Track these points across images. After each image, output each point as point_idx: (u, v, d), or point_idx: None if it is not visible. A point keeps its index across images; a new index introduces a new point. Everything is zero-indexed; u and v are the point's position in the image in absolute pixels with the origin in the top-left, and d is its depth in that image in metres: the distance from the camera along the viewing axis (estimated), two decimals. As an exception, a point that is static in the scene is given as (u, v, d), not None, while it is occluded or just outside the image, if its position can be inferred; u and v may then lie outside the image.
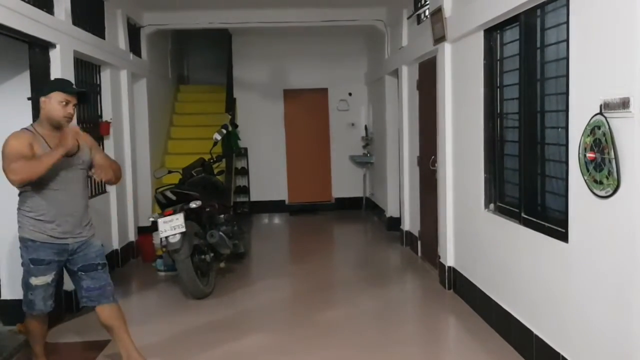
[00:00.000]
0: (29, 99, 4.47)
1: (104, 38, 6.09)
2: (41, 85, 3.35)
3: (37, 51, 4.50)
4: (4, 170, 3.13)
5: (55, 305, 4.35)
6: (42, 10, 4.49)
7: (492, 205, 4.39)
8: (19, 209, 3.34)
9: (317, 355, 4.00)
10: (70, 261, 3.44)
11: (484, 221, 4.46)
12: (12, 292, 4.76)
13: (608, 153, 2.68)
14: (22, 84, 4.61)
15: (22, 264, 3.37)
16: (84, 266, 3.46)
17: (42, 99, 3.28)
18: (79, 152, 3.38)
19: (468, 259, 4.88)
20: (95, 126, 6.00)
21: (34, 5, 4.36)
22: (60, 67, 4.68)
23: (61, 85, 3.35)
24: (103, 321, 3.57)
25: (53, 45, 4.64)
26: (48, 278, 3.36)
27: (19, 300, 4.70)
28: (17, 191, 3.36)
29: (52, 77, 3.45)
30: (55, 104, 3.25)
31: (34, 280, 3.34)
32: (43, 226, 3.29)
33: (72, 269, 3.47)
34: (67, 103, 3.27)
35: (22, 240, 3.33)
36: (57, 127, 3.30)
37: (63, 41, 4.76)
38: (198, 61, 11.52)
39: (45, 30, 4.43)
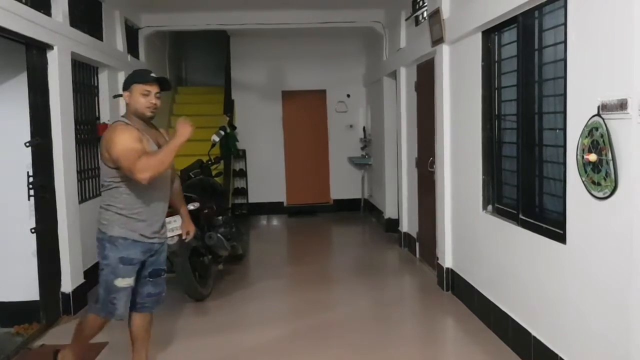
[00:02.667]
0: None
1: (101, 40, 6.08)
2: (126, 80, 3.24)
3: (34, 53, 4.49)
4: (130, 169, 2.96)
5: (53, 306, 4.34)
6: (40, 11, 4.49)
7: (490, 207, 4.39)
8: (107, 205, 3.16)
9: (316, 357, 4.00)
10: (143, 264, 3.27)
11: (482, 223, 4.46)
12: (10, 294, 4.76)
13: (606, 154, 2.68)
14: (19, 85, 4.61)
15: (106, 265, 3.15)
16: (153, 271, 3.32)
17: (125, 93, 3.19)
18: None
19: (466, 261, 4.88)
20: (93, 128, 5.99)
21: (31, 6, 4.35)
22: (57, 68, 4.68)
23: (139, 76, 3.22)
24: (135, 329, 3.38)
25: (50, 47, 4.63)
26: (132, 280, 3.19)
27: (17, 303, 4.74)
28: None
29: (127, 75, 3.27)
30: (138, 96, 3.14)
31: (120, 282, 3.14)
32: (135, 224, 3.15)
33: (143, 272, 3.29)
34: (148, 93, 3.15)
35: (111, 238, 3.13)
36: (144, 119, 3.20)
37: (60, 43, 4.76)
38: (196, 63, 11.53)
39: (42, 32, 4.43)
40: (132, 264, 3.16)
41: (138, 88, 3.15)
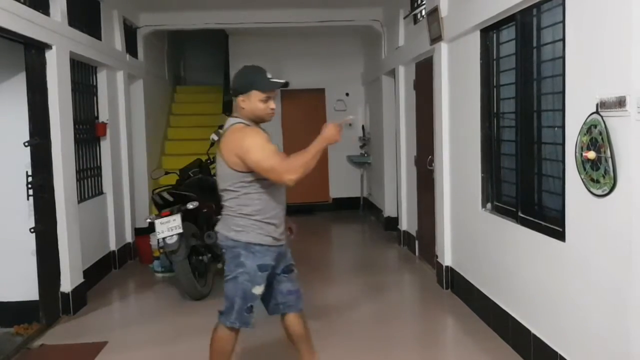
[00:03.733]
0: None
1: (100, 39, 6.08)
2: (239, 81, 3.05)
3: (33, 52, 4.49)
4: (275, 171, 2.84)
5: (53, 306, 4.35)
6: (38, 11, 4.48)
7: (489, 205, 4.39)
8: (239, 212, 2.99)
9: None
10: (274, 265, 3.15)
11: (481, 220, 4.46)
12: (9, 294, 4.76)
13: (604, 152, 2.68)
14: (18, 85, 4.61)
15: (243, 273, 2.99)
16: (286, 267, 3.24)
17: (240, 97, 3.00)
18: None
19: (465, 259, 4.88)
20: (91, 127, 5.99)
21: (29, 6, 4.34)
22: (56, 68, 4.67)
23: (260, 83, 2.99)
24: (295, 329, 3.28)
25: (49, 47, 4.63)
26: (264, 287, 3.07)
27: (16, 302, 4.74)
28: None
29: (245, 67, 3.10)
30: (256, 102, 2.98)
31: (257, 290, 3.02)
32: (268, 228, 3.02)
33: (276, 272, 3.19)
34: (268, 99, 3.00)
35: (247, 245, 2.99)
36: (261, 122, 3.08)
37: (59, 42, 4.75)
38: (195, 62, 11.53)
39: (41, 32, 4.42)
40: (267, 271, 3.05)
41: (257, 95, 2.97)
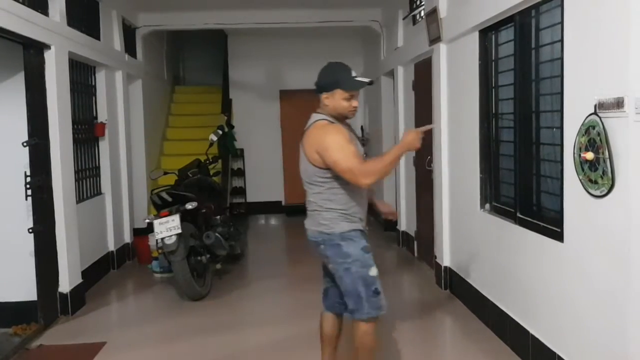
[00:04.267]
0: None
1: (99, 39, 6.08)
2: (324, 79, 3.01)
3: (31, 52, 4.49)
4: (352, 172, 2.83)
5: (51, 306, 4.33)
6: (37, 11, 4.48)
7: (487, 205, 4.39)
8: (325, 207, 3.02)
9: (314, 356, 3.99)
10: None
11: (479, 221, 4.46)
12: (7, 294, 4.76)
13: (602, 153, 2.69)
14: (17, 85, 4.61)
15: (353, 262, 2.97)
16: None
17: (324, 94, 3.01)
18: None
19: (464, 259, 4.88)
20: (90, 127, 5.99)
21: (28, 6, 4.34)
22: (55, 68, 4.67)
23: (345, 82, 2.98)
24: (333, 330, 3.29)
25: (48, 47, 4.62)
26: (376, 268, 3.03)
27: (15, 303, 4.74)
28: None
29: (334, 66, 3.05)
30: (340, 100, 2.98)
31: (373, 271, 2.99)
32: (354, 219, 3.03)
33: None
34: (352, 97, 3.00)
35: (342, 235, 2.98)
36: (343, 119, 3.08)
37: (58, 42, 4.75)
38: (194, 62, 11.52)
39: (39, 32, 4.42)
40: (371, 252, 3.03)
41: (341, 94, 2.98)
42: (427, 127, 3.17)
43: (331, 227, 3.00)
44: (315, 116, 3.08)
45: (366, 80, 3.07)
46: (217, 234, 5.64)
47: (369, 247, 3.04)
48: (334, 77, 3.01)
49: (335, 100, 3.00)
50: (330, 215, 3.01)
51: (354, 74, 3.03)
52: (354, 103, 3.03)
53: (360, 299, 2.98)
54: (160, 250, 5.25)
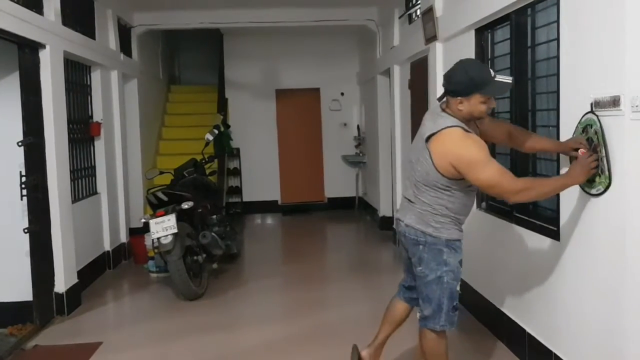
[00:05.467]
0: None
1: (94, 38, 6.06)
2: (461, 83, 2.73)
3: (26, 52, 4.47)
4: (502, 190, 2.69)
5: (46, 306, 4.32)
6: (32, 10, 4.46)
7: (484, 204, 4.40)
8: (437, 208, 2.84)
9: (310, 355, 4.00)
10: None
11: (476, 220, 4.46)
12: (3, 294, 4.74)
13: (600, 151, 2.69)
14: (11, 85, 4.59)
15: (448, 272, 2.86)
16: None
17: (458, 99, 2.74)
18: None
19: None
20: (85, 127, 5.97)
21: (23, 5, 4.32)
22: (50, 67, 4.65)
23: (488, 89, 2.72)
24: (399, 317, 3.34)
25: (43, 46, 4.60)
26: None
27: (10, 303, 4.72)
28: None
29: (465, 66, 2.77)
30: (477, 104, 2.73)
31: (458, 287, 2.90)
32: (460, 225, 2.92)
33: None
34: (489, 99, 2.76)
35: (448, 242, 2.86)
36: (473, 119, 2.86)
37: (53, 42, 4.73)
38: (189, 61, 11.50)
39: (34, 31, 4.40)
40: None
41: (480, 97, 2.73)
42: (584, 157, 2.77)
43: (440, 231, 2.85)
44: (445, 119, 2.79)
45: (509, 80, 2.79)
46: (213, 234, 5.64)
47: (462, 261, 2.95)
48: (475, 81, 2.71)
49: (472, 105, 2.74)
50: (443, 219, 2.85)
51: (492, 73, 2.76)
52: (492, 104, 2.80)
53: (440, 309, 2.90)
54: (156, 250, 5.24)
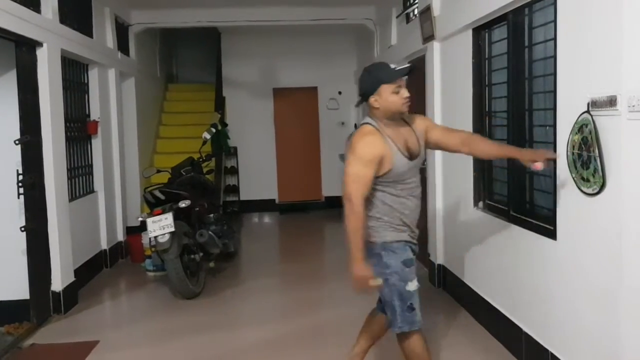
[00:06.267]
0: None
1: (91, 37, 6.05)
2: (365, 82, 2.88)
3: (23, 50, 4.46)
4: (345, 195, 2.74)
5: (43, 305, 4.31)
6: (29, 8, 4.45)
7: (481, 203, 4.41)
8: (369, 215, 2.87)
9: (308, 354, 4.00)
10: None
11: (473, 219, 4.48)
12: (0, 293, 4.74)
13: (593, 151, 2.70)
14: (9, 83, 4.58)
15: (392, 273, 2.88)
16: None
17: (372, 98, 2.83)
18: (419, 155, 3.04)
19: (457, 257, 4.89)
20: (83, 125, 5.96)
21: (20, 3, 4.31)
22: (47, 66, 4.64)
23: (385, 75, 2.82)
24: (375, 330, 3.38)
25: (40, 44, 4.60)
26: (417, 282, 2.95)
27: (7, 302, 4.72)
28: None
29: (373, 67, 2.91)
30: (388, 96, 2.79)
31: (411, 286, 2.90)
32: (400, 229, 2.94)
33: None
34: (399, 89, 2.80)
35: (385, 244, 2.90)
36: (399, 116, 2.90)
37: (50, 40, 4.72)
38: (187, 60, 11.48)
39: (32, 29, 4.39)
40: (413, 265, 2.95)
41: (388, 88, 2.79)
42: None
43: (375, 236, 2.89)
44: (365, 119, 2.94)
45: (406, 65, 2.88)
46: (210, 232, 5.63)
47: (412, 260, 2.95)
48: (374, 76, 2.85)
49: (384, 98, 2.81)
50: (375, 224, 2.89)
51: (392, 66, 2.87)
52: (405, 94, 2.82)
53: (395, 311, 2.93)
54: (153, 249, 5.23)
